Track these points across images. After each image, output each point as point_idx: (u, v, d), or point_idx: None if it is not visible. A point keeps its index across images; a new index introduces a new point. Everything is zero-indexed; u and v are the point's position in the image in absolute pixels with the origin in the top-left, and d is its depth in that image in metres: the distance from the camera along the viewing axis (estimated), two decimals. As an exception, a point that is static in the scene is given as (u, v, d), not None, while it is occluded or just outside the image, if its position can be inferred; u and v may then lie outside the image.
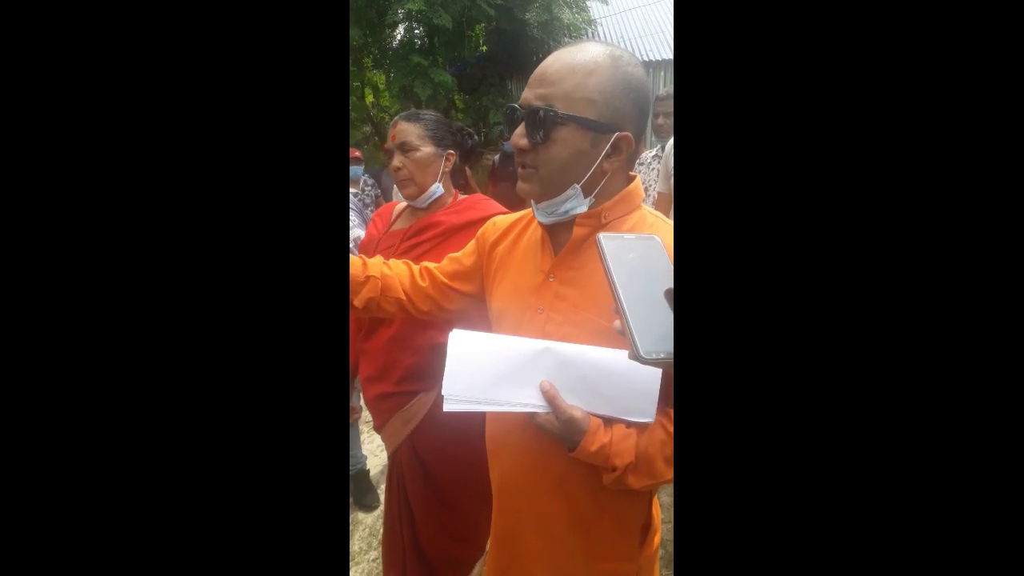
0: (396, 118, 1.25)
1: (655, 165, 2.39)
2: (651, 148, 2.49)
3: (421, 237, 1.22)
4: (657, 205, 2.19)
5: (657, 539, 0.82)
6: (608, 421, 0.68)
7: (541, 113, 0.66)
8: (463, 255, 0.93)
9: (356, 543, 1.97)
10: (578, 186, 0.69)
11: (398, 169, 1.20)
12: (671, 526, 1.98)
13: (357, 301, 0.89)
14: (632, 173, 0.75)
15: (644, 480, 0.68)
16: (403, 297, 0.91)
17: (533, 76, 0.69)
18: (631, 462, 0.67)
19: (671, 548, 1.87)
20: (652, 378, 0.66)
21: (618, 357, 0.66)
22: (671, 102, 2.30)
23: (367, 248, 1.31)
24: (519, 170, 0.72)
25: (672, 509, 2.06)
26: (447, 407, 0.66)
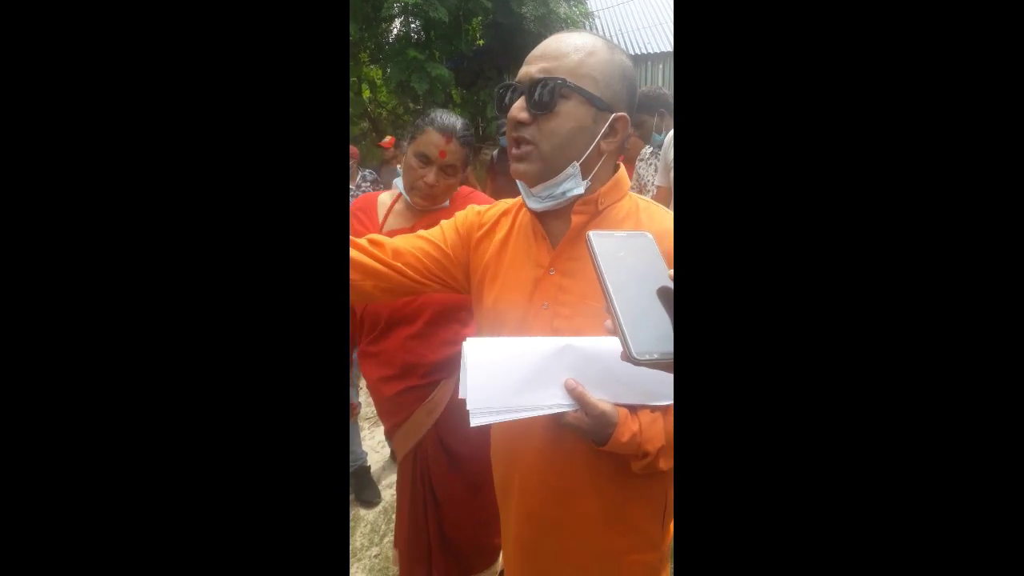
0: (453, 133, 1.15)
1: (653, 161, 2.39)
2: (649, 145, 2.48)
3: None
4: (656, 198, 2.19)
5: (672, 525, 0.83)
6: (633, 408, 0.68)
7: (544, 83, 0.65)
8: (445, 243, 0.84)
9: (358, 539, 1.98)
10: (577, 164, 0.68)
11: (431, 185, 1.16)
12: (671, 519, 1.99)
13: None
14: (617, 162, 0.76)
15: (673, 460, 0.69)
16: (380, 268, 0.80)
17: (531, 55, 0.68)
18: (663, 445, 0.67)
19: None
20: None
21: None
22: (642, 115, 2.30)
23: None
24: (514, 150, 0.69)
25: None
26: (475, 421, 0.63)
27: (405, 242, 0.84)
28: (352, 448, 2.18)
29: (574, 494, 0.74)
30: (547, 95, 0.65)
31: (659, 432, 0.68)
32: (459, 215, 0.87)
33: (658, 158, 2.33)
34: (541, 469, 0.76)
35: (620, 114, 0.69)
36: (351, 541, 1.96)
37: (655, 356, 0.41)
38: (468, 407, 0.63)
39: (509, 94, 0.69)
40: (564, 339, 0.67)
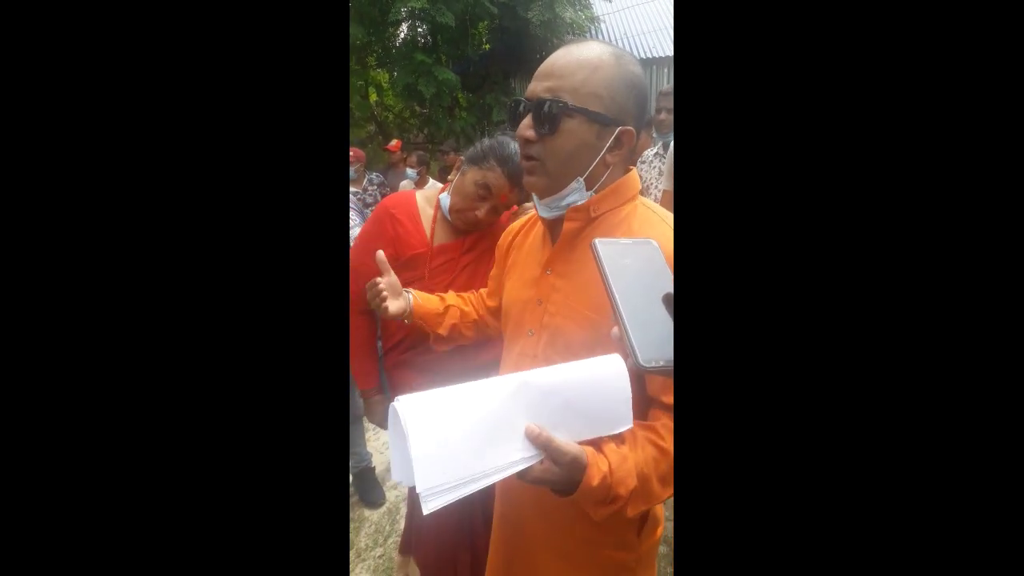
0: (518, 183, 1.14)
1: (656, 163, 2.39)
2: (653, 146, 2.48)
3: (475, 252, 1.23)
4: (662, 203, 2.19)
5: (659, 531, 0.82)
6: (596, 445, 0.62)
7: (549, 104, 0.67)
8: (494, 268, 0.99)
9: (363, 540, 1.99)
10: (581, 179, 0.71)
11: (480, 220, 1.16)
12: (671, 524, 1.98)
13: (442, 330, 0.98)
14: (629, 167, 0.77)
15: (640, 506, 0.64)
16: (479, 318, 1.01)
17: (540, 70, 0.71)
18: (635, 487, 0.61)
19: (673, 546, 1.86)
20: (621, 382, 0.59)
21: (583, 368, 0.59)
22: (672, 98, 2.32)
23: (414, 260, 1.23)
24: (524, 163, 0.73)
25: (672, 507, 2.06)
26: (428, 508, 0.50)
27: (489, 282, 1.02)
28: (357, 450, 2.18)
29: None
30: (550, 116, 0.67)
31: (630, 472, 0.61)
32: (501, 237, 0.98)
33: (662, 160, 2.32)
34: None
35: (626, 128, 0.70)
36: (356, 542, 1.97)
37: (661, 363, 0.41)
38: (418, 490, 0.50)
39: (520, 109, 0.72)
40: (517, 377, 0.57)
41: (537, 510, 0.79)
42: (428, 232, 1.25)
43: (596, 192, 0.73)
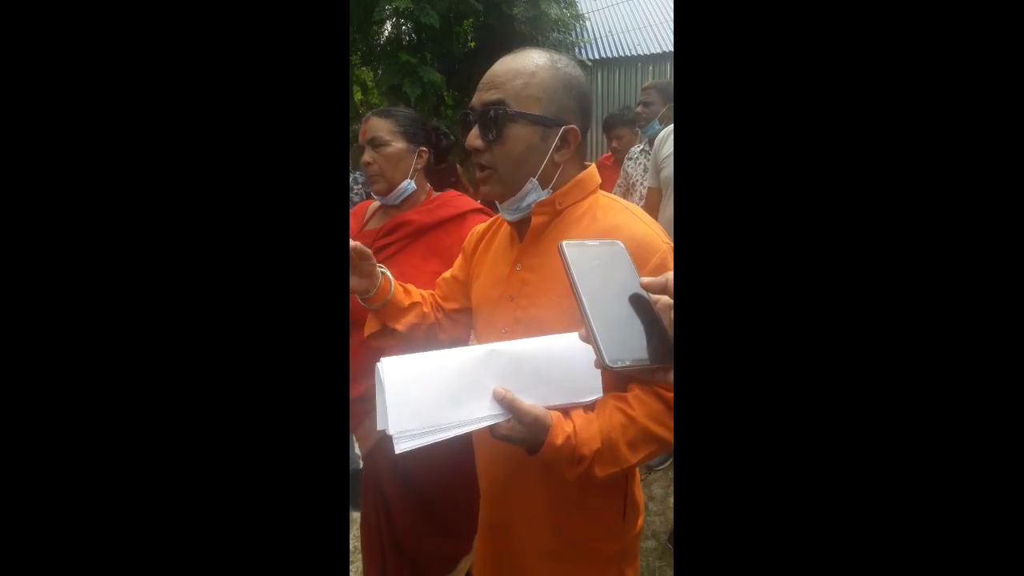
0: (368, 114, 1.26)
1: (642, 160, 2.40)
2: (639, 143, 2.49)
3: (393, 236, 1.22)
4: (647, 200, 2.19)
5: (640, 520, 0.84)
6: (564, 412, 0.67)
7: (492, 112, 0.71)
8: (455, 269, 0.97)
9: (352, 541, 1.98)
10: (535, 179, 0.74)
11: (368, 164, 1.21)
12: (663, 518, 1.99)
13: (400, 326, 0.89)
14: (586, 163, 0.80)
15: (609, 468, 0.67)
16: (434, 322, 0.94)
17: (482, 81, 0.75)
18: (599, 448, 0.66)
19: (664, 539, 1.88)
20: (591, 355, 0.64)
21: (557, 342, 0.65)
22: (652, 92, 2.35)
23: None
24: (478, 173, 0.76)
25: (663, 501, 2.08)
26: (400, 448, 0.58)
27: (444, 285, 0.98)
28: (344, 451, 2.17)
29: (530, 479, 0.77)
30: (494, 123, 0.72)
31: (594, 434, 0.66)
32: (467, 239, 0.97)
33: (647, 157, 2.33)
34: (504, 456, 0.79)
35: (569, 127, 0.73)
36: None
37: (628, 363, 0.42)
38: (390, 431, 0.58)
39: (469, 119, 0.75)
40: (487, 345, 0.64)
41: (524, 515, 0.80)
42: (364, 222, 1.32)
43: (553, 187, 0.75)
